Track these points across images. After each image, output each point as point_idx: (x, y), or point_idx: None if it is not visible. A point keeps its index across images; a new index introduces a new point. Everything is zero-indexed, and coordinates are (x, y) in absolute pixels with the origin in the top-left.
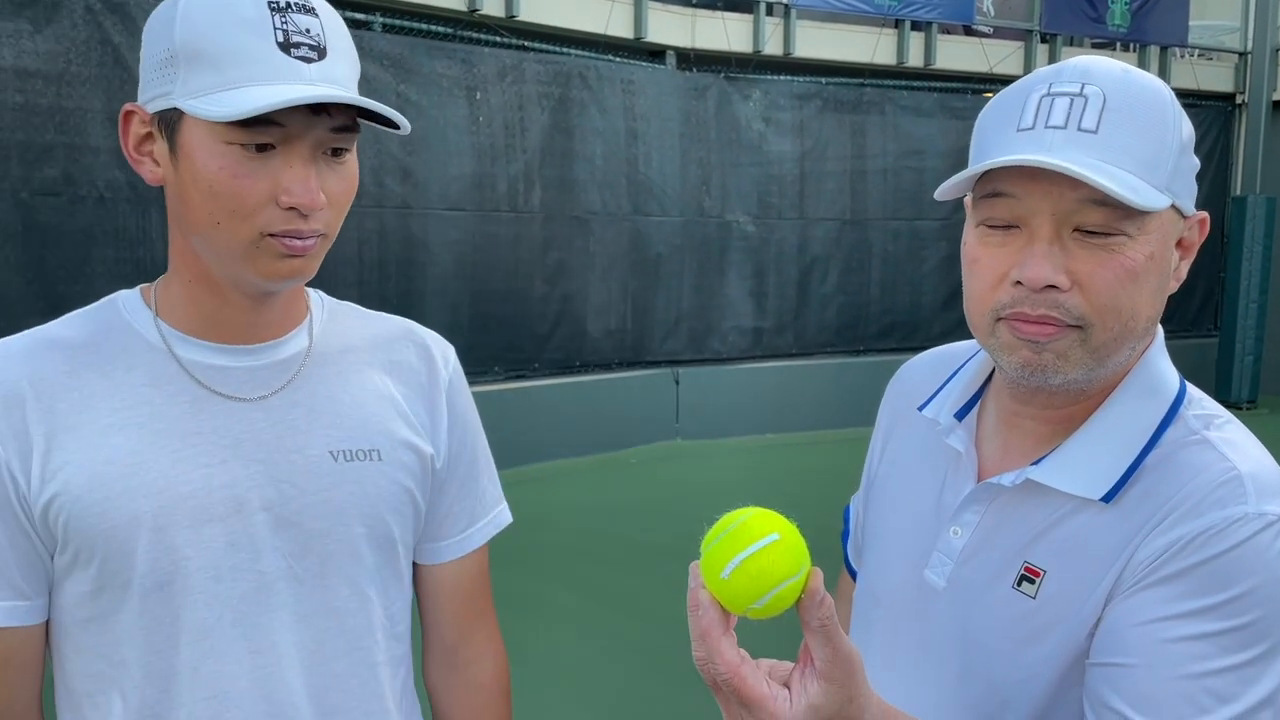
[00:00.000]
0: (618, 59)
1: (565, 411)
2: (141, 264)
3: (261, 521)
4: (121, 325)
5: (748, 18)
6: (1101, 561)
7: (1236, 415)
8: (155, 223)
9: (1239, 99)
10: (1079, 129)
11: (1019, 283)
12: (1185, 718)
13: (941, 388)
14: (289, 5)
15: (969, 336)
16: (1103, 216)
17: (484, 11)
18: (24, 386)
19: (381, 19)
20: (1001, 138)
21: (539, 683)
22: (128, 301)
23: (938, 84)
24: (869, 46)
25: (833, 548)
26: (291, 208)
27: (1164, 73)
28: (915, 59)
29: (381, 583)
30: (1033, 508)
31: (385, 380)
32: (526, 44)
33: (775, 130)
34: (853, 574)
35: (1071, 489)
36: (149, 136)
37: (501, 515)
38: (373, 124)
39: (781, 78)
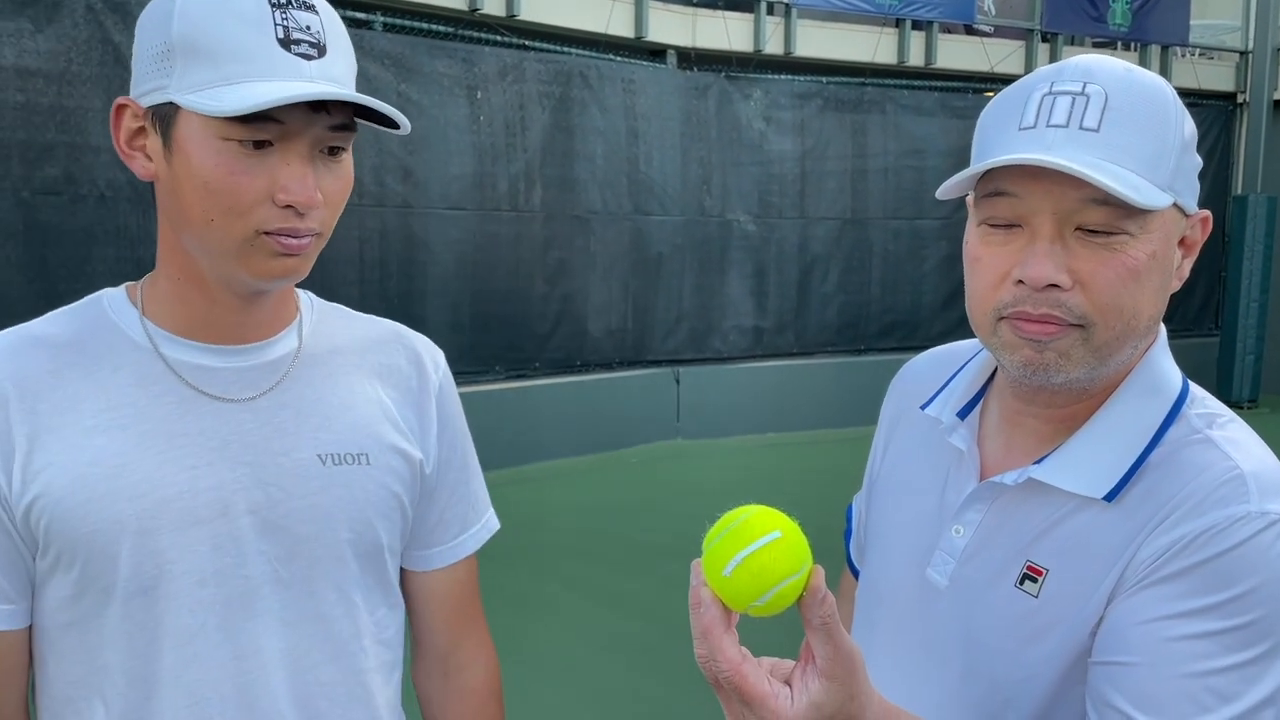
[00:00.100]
0: (618, 58)
1: (566, 411)
2: (142, 263)
3: (248, 525)
4: (107, 324)
5: (749, 17)
6: (1104, 560)
7: (1238, 415)
8: (156, 222)
9: (1240, 98)
10: (1080, 128)
11: (1021, 282)
12: (1187, 716)
13: (944, 387)
14: (289, 1)
15: (970, 336)
16: (1105, 215)
17: (485, 11)
18: (6, 386)
19: (382, 18)
20: (1003, 137)
21: (539, 682)
22: (113, 300)
23: (939, 83)
24: (870, 46)
25: (833, 547)
26: (288, 206)
27: (1165, 72)
28: (916, 58)
29: (368, 589)
30: (1035, 506)
31: (374, 384)
32: (527, 43)
33: (776, 129)
34: (855, 573)
35: (1074, 488)
36: (141, 131)
37: (491, 521)
38: (372, 124)
39: (782, 77)
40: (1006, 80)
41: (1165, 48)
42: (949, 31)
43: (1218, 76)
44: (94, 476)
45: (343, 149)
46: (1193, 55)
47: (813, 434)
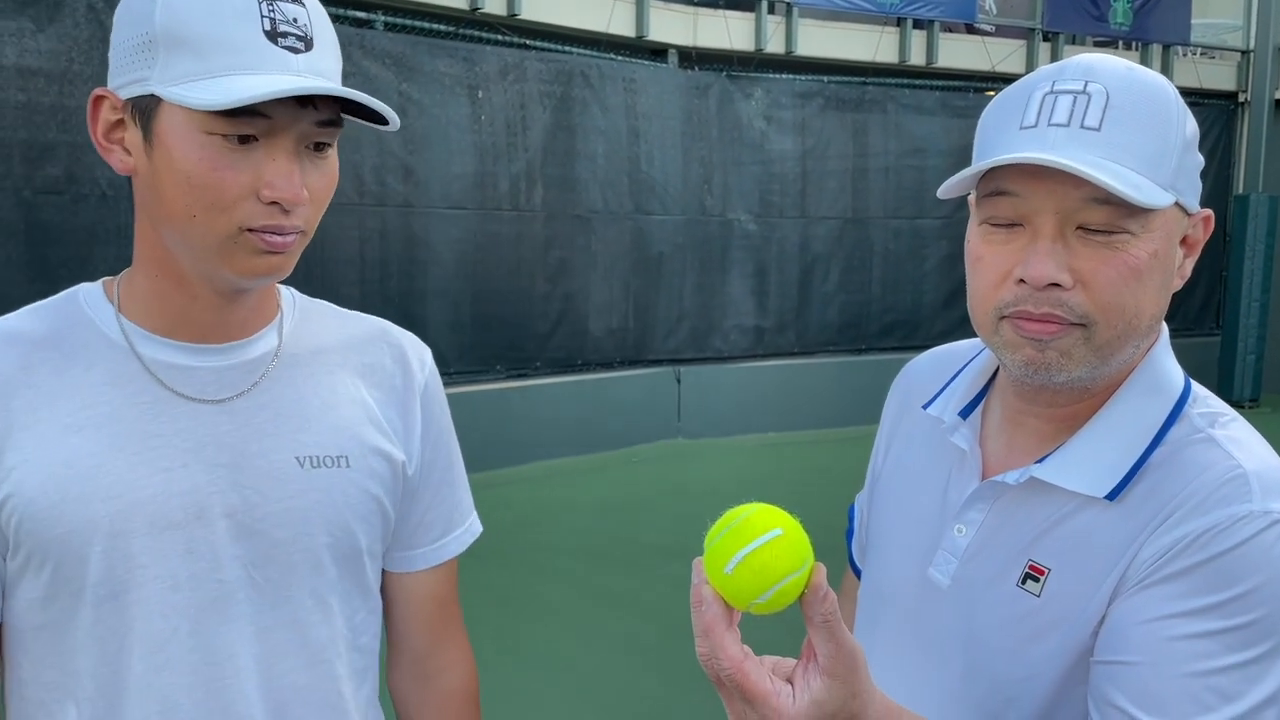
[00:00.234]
0: (620, 57)
1: (566, 410)
2: None
3: (223, 529)
4: (83, 320)
5: (750, 16)
6: (1106, 559)
7: (1239, 414)
8: None
9: (1241, 97)
10: (1082, 127)
11: (1022, 281)
12: (1189, 715)
13: (946, 386)
14: None
15: (971, 335)
16: (1106, 214)
17: (486, 10)
18: None
19: (384, 17)
20: (1004, 136)
21: (538, 682)
22: (89, 295)
23: (940, 82)
24: (871, 45)
25: (835, 546)
26: (273, 202)
27: (1166, 71)
28: (917, 57)
29: (345, 593)
30: (1037, 506)
31: (357, 384)
32: (528, 43)
33: (777, 129)
34: (857, 572)
35: (1076, 487)
36: (120, 124)
37: (475, 524)
38: (359, 120)
39: (783, 76)
40: (1008, 79)
41: (1166, 47)
42: (950, 31)
43: (1219, 76)
44: (67, 477)
45: (328, 145)
46: (1194, 54)
47: (814, 434)
